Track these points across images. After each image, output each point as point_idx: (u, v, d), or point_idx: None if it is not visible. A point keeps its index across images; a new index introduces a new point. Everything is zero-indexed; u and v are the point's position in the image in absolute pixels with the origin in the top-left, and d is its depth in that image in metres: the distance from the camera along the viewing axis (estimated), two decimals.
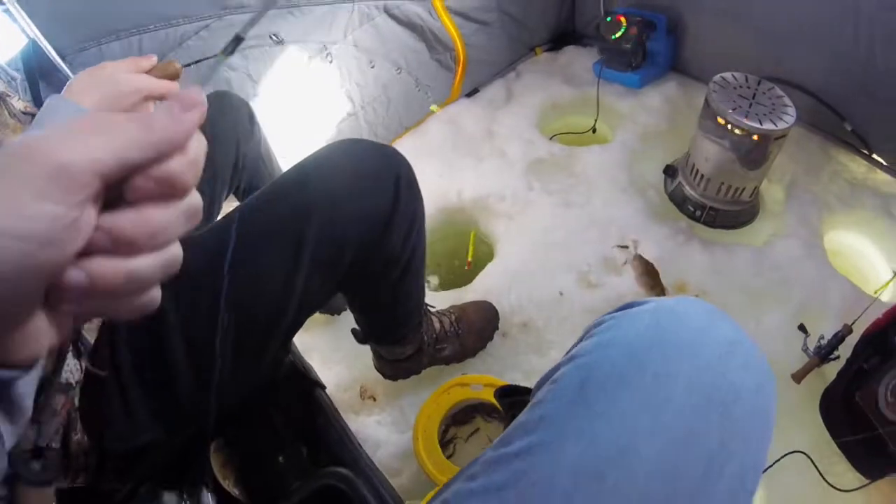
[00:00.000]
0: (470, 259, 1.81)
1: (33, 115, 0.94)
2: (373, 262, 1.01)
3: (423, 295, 1.25)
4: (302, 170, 0.93)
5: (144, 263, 0.33)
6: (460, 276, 1.80)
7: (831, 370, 1.30)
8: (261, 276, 0.86)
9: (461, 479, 0.56)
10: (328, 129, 1.84)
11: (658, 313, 0.59)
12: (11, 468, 0.63)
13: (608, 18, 2.10)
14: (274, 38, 1.41)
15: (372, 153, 0.97)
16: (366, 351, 1.38)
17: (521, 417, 0.57)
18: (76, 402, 0.74)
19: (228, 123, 1.29)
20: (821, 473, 1.21)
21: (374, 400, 1.48)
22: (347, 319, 1.58)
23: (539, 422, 0.54)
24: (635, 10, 2.11)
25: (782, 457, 1.21)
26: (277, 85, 1.65)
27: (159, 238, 0.34)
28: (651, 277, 1.55)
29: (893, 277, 1.52)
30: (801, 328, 1.41)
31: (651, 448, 0.50)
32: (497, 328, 1.52)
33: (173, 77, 0.85)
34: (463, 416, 1.39)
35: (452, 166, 1.98)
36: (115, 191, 0.32)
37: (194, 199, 0.36)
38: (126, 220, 0.32)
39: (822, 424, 1.27)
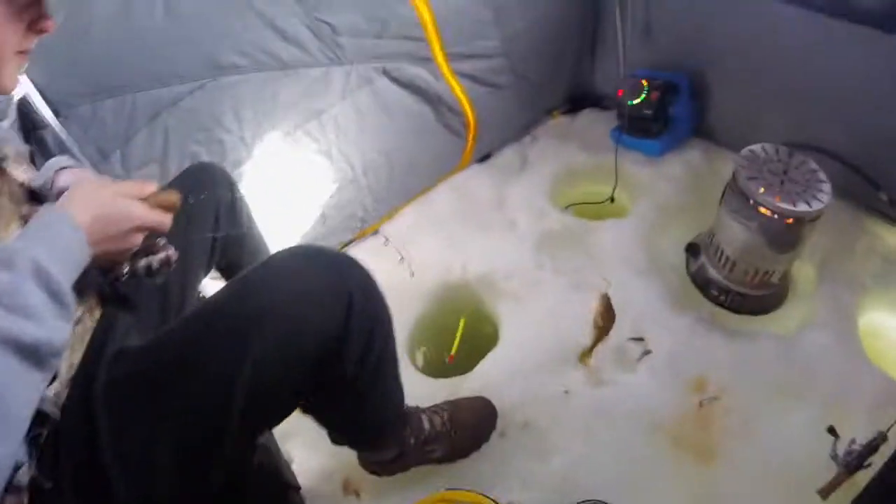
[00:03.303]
0: (453, 353, 1.66)
1: (30, 191, 0.94)
2: (325, 385, 0.92)
3: (396, 404, 1.15)
4: (242, 287, 0.85)
5: None
6: (459, 359, 1.67)
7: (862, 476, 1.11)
8: (196, 394, 0.80)
9: None
10: (324, 197, 1.76)
11: None
12: None
13: (628, 81, 1.99)
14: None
15: (318, 268, 0.87)
16: None
17: None
18: None
19: (207, 198, 1.20)
20: None
21: (358, 496, 1.36)
22: None
23: None
24: (657, 73, 2.00)
25: None
26: (271, 150, 1.58)
27: None
28: (605, 322, 1.42)
29: None
30: (831, 431, 1.22)
31: None
32: (494, 428, 1.38)
33: (170, 208, 0.85)
34: None
35: (458, 238, 1.87)
36: None
37: None
38: None
39: None
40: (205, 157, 1.48)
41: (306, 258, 0.87)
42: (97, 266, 0.85)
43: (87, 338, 0.88)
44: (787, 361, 1.40)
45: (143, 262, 0.87)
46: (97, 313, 0.93)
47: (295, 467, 1.43)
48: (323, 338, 0.84)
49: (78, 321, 0.87)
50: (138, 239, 0.82)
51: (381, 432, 1.15)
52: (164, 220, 0.83)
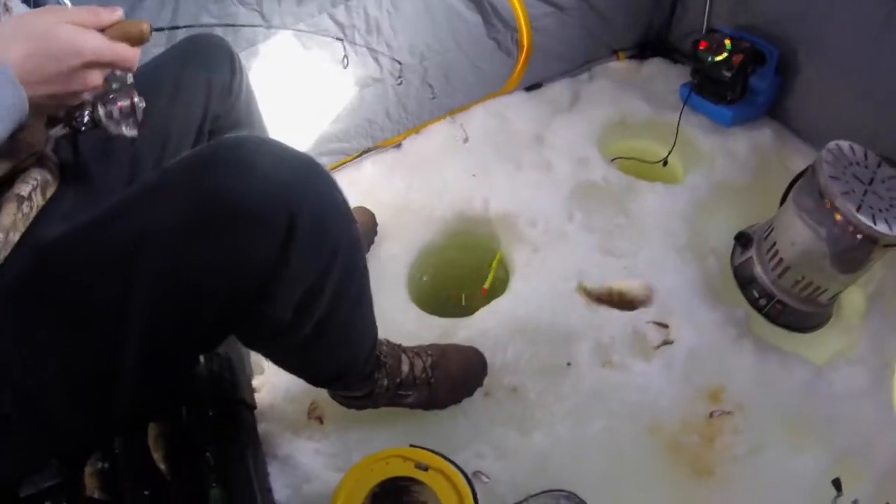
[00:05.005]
0: (486, 286, 1.54)
1: None
2: (255, 327, 0.77)
3: (363, 350, 1.01)
4: (153, 181, 0.69)
5: None
6: (462, 299, 1.57)
7: None
8: (83, 318, 0.68)
9: None
10: (343, 93, 1.59)
11: None
12: None
13: (709, 37, 1.77)
14: None
15: (254, 172, 0.65)
16: None
17: None
18: None
19: (197, 73, 1.03)
20: None
21: (321, 422, 1.26)
22: None
23: None
24: (744, 35, 1.77)
25: None
26: (289, 30, 1.43)
27: None
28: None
29: None
30: (836, 484, 1.11)
31: None
32: (480, 385, 1.26)
33: (136, 41, 0.68)
34: (395, 494, 1.09)
35: (487, 168, 1.71)
36: None
37: None
38: None
39: None
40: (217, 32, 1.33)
41: (240, 154, 0.67)
42: (48, 114, 0.71)
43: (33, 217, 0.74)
44: (812, 394, 1.26)
45: (101, 109, 0.71)
46: (51, 190, 0.78)
47: (261, 380, 1.33)
48: (245, 265, 0.67)
49: (25, 198, 0.72)
50: (95, 78, 0.65)
51: (340, 377, 1.02)
52: (127, 53, 0.67)
